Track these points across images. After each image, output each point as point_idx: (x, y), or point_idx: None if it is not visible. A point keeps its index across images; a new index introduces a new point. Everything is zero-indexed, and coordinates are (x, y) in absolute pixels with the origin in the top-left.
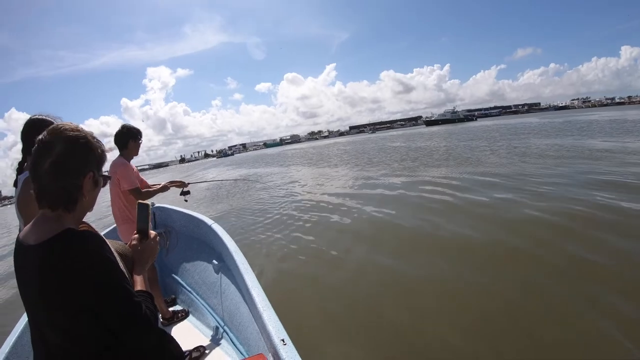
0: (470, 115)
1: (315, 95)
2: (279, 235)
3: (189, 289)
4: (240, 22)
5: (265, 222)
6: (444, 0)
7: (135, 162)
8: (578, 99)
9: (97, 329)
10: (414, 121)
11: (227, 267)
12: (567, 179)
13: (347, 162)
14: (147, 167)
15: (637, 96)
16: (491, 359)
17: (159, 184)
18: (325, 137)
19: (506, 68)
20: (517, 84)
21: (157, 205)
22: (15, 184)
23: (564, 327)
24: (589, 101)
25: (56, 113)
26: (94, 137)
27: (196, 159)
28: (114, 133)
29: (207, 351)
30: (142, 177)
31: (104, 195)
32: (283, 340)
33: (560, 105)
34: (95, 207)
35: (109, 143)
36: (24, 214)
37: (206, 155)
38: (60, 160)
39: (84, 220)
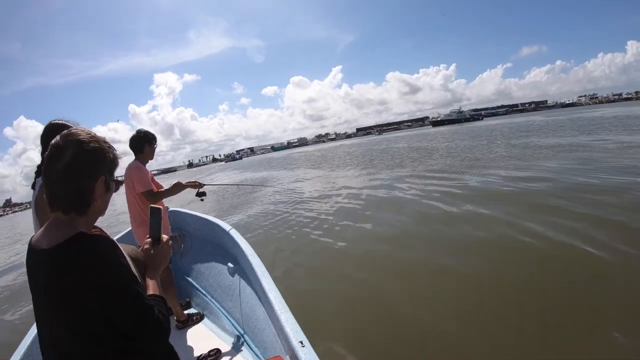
0: (476, 115)
1: (321, 98)
2: (295, 237)
3: (204, 292)
4: (244, 26)
5: (278, 225)
6: (445, 2)
7: None
8: (585, 95)
9: (110, 332)
10: (420, 122)
11: (242, 270)
12: (553, 174)
13: (348, 164)
14: (155, 172)
15: None
16: None
17: (172, 185)
18: (332, 139)
19: (512, 66)
20: (523, 82)
21: (171, 209)
22: (34, 187)
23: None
24: (596, 97)
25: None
26: (106, 142)
27: (204, 164)
28: (130, 137)
29: (223, 354)
30: (157, 181)
31: (115, 200)
32: (301, 343)
33: (568, 102)
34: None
35: (117, 149)
36: (40, 216)
37: (214, 160)
38: (72, 164)
39: (96, 224)
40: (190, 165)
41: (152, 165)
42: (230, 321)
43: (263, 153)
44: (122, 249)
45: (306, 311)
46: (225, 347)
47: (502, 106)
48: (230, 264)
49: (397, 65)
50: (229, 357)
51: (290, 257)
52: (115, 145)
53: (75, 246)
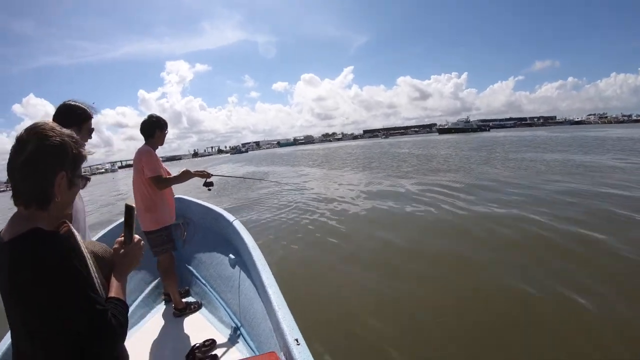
0: (483, 126)
1: (331, 97)
2: (296, 233)
3: (204, 281)
4: (258, 21)
5: (280, 220)
6: (463, 9)
7: None
8: (595, 114)
9: (63, 335)
10: (428, 128)
11: (243, 262)
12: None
13: (348, 165)
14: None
15: None
16: None
17: (180, 171)
18: (338, 139)
19: (524, 79)
20: (534, 96)
21: (177, 196)
22: None
23: None
24: (606, 117)
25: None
26: (72, 137)
27: (209, 154)
28: (141, 122)
29: (217, 345)
30: (165, 167)
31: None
32: (297, 340)
33: (576, 119)
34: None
35: (123, 134)
36: None
37: (219, 151)
38: (32, 158)
39: (66, 220)
40: (195, 154)
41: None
42: (227, 312)
43: (269, 148)
44: (88, 247)
45: (304, 308)
46: (220, 338)
47: (511, 119)
48: (231, 255)
49: (408, 70)
50: (223, 349)
51: (291, 250)
52: (122, 130)
53: (28, 242)
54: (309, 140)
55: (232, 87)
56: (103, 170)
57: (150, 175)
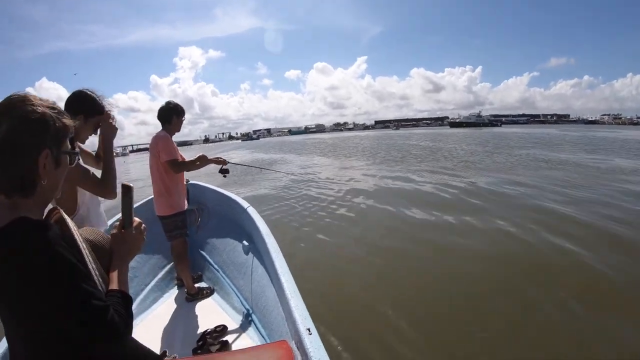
0: (495, 121)
1: (344, 87)
2: (310, 222)
3: (216, 267)
4: (272, 7)
5: (292, 208)
6: (479, 2)
7: None
8: (609, 114)
9: (55, 335)
10: (440, 121)
11: (257, 249)
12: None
13: (354, 155)
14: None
15: None
16: None
17: (196, 156)
18: (350, 129)
19: (539, 76)
20: (548, 93)
21: (191, 182)
22: None
23: None
24: (620, 118)
25: (86, 85)
26: (53, 108)
27: (220, 140)
28: (159, 107)
29: (228, 330)
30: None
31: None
32: (309, 330)
33: (590, 119)
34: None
35: (135, 118)
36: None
37: (230, 137)
38: (7, 139)
39: (57, 206)
40: (207, 140)
41: None
42: (239, 299)
43: (279, 135)
44: (83, 234)
45: (316, 297)
46: (232, 324)
47: (524, 115)
48: (245, 242)
49: (422, 62)
50: (234, 334)
51: (307, 241)
52: (133, 115)
53: (12, 234)
54: (320, 129)
55: (244, 74)
56: (114, 154)
57: (167, 158)
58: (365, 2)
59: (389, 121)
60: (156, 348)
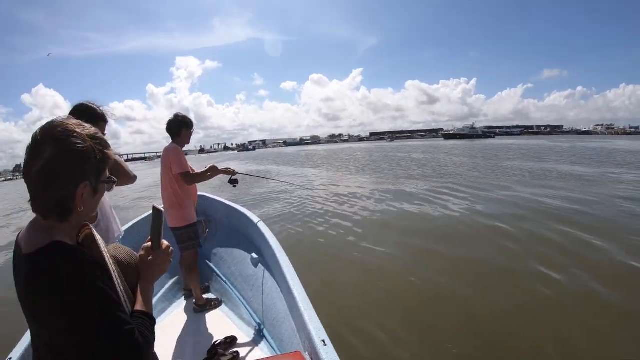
0: (489, 132)
1: (339, 99)
2: (312, 231)
3: (224, 279)
4: (269, 19)
5: (294, 219)
6: (474, 15)
7: (154, 148)
8: (602, 124)
9: (82, 355)
10: (434, 133)
11: (266, 262)
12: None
13: (344, 168)
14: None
15: None
16: None
17: (207, 167)
18: (345, 140)
19: (533, 87)
20: (542, 104)
21: (199, 193)
22: None
23: None
24: (613, 128)
25: (82, 93)
26: (95, 138)
27: (215, 151)
28: (168, 120)
29: (238, 342)
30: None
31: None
32: (324, 341)
33: (583, 129)
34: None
35: (131, 127)
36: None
37: (226, 148)
38: (48, 168)
39: (87, 223)
40: (202, 150)
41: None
42: (248, 310)
43: (275, 147)
44: (111, 252)
45: (323, 309)
46: (241, 335)
47: (518, 126)
48: (254, 255)
49: (417, 74)
50: (245, 346)
51: (311, 252)
52: (129, 124)
53: (46, 258)
54: (315, 140)
55: (240, 85)
56: None
57: (179, 171)
58: (361, 14)
59: (384, 133)
60: (167, 359)
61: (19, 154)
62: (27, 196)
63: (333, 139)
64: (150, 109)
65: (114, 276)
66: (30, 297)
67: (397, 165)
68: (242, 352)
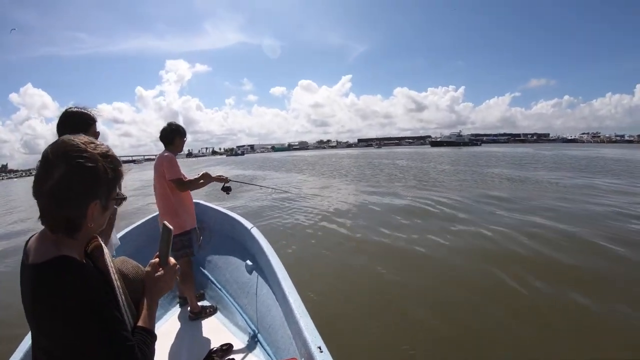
0: (475, 140)
1: (328, 105)
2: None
3: (219, 286)
4: (260, 24)
5: (288, 227)
6: (464, 24)
7: (142, 151)
8: (588, 133)
9: None
10: (422, 140)
11: (261, 269)
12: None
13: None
14: (154, 157)
15: None
16: None
17: (199, 174)
18: (333, 147)
19: (520, 96)
20: (529, 113)
21: (194, 200)
22: None
23: None
24: (598, 136)
25: (71, 93)
26: (106, 157)
27: (203, 155)
28: (161, 129)
29: (234, 349)
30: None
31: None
32: (320, 348)
33: (569, 137)
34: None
35: (119, 129)
36: None
37: (214, 153)
38: (59, 189)
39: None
40: (190, 154)
41: (151, 150)
42: (243, 317)
43: (263, 152)
44: (117, 266)
45: (319, 316)
46: (237, 342)
47: (505, 134)
48: (248, 262)
49: (406, 81)
50: (240, 353)
51: (306, 257)
52: (117, 126)
53: (52, 272)
54: (303, 146)
55: (230, 89)
56: None
57: (172, 177)
58: (352, 21)
59: (372, 139)
60: None
61: (5, 154)
62: (13, 197)
63: (321, 144)
64: (139, 112)
65: (118, 293)
66: (36, 308)
67: (380, 171)
68: (238, 359)
